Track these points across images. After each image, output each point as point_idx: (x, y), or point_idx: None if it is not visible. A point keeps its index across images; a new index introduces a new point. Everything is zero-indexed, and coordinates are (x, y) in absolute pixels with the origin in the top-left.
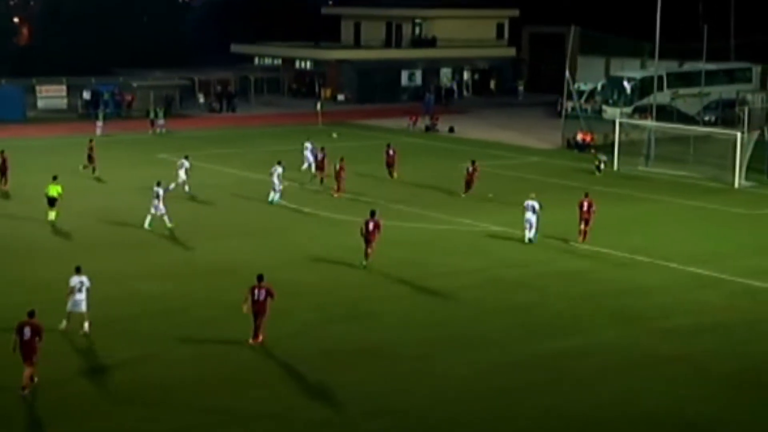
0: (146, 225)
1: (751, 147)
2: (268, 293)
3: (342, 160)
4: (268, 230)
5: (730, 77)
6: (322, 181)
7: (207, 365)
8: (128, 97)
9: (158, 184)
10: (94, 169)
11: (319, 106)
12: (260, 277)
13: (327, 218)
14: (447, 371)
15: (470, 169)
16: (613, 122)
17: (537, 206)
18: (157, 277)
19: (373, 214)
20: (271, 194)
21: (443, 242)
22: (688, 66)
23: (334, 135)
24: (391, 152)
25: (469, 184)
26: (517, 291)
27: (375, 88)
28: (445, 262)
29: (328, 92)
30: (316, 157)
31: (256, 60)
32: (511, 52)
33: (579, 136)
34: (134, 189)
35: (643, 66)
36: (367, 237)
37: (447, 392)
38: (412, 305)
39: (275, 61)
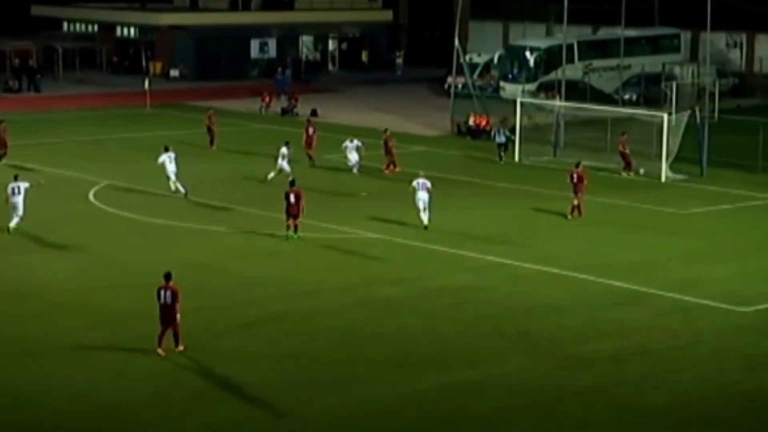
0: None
1: (681, 132)
2: (175, 295)
3: (386, 131)
4: (87, 243)
5: (654, 46)
6: (310, 158)
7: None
8: None
9: (15, 179)
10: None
11: (146, 84)
12: (167, 276)
13: (163, 226)
14: (306, 417)
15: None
16: (514, 102)
17: (429, 184)
18: None
19: (292, 183)
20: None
21: (305, 253)
22: (604, 33)
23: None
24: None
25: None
26: (396, 313)
27: (218, 61)
28: (306, 279)
29: (158, 67)
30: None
31: (65, 26)
32: (387, 16)
33: (471, 120)
34: None
35: (548, 33)
36: (291, 211)
37: None
38: (259, 335)
39: (90, 28)
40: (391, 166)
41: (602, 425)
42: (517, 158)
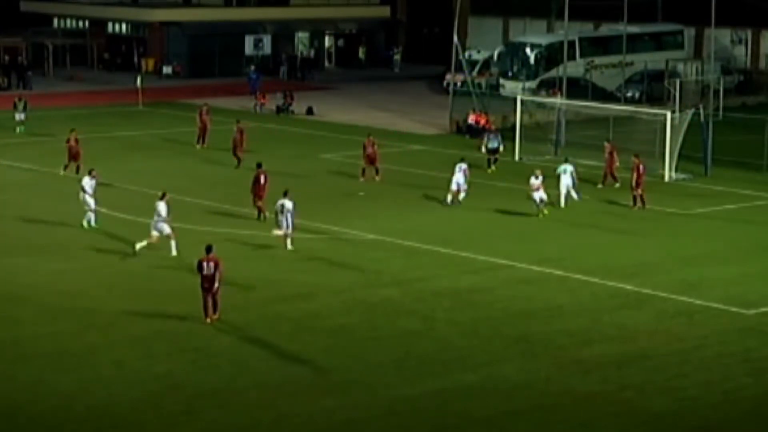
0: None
1: (684, 130)
2: (217, 266)
3: (369, 136)
4: (78, 243)
5: (657, 43)
6: (239, 162)
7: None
8: None
9: (89, 172)
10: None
11: (139, 81)
12: (209, 248)
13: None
14: (302, 420)
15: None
16: (514, 100)
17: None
18: None
19: (259, 165)
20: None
21: (301, 254)
22: (606, 29)
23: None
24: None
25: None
26: (393, 316)
27: (212, 58)
28: (302, 280)
29: (151, 64)
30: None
31: (56, 22)
32: (385, 12)
33: (471, 118)
34: None
35: (550, 29)
36: (259, 192)
37: None
38: (254, 337)
39: (80, 24)
40: (377, 174)
41: (602, 431)
42: (517, 157)
